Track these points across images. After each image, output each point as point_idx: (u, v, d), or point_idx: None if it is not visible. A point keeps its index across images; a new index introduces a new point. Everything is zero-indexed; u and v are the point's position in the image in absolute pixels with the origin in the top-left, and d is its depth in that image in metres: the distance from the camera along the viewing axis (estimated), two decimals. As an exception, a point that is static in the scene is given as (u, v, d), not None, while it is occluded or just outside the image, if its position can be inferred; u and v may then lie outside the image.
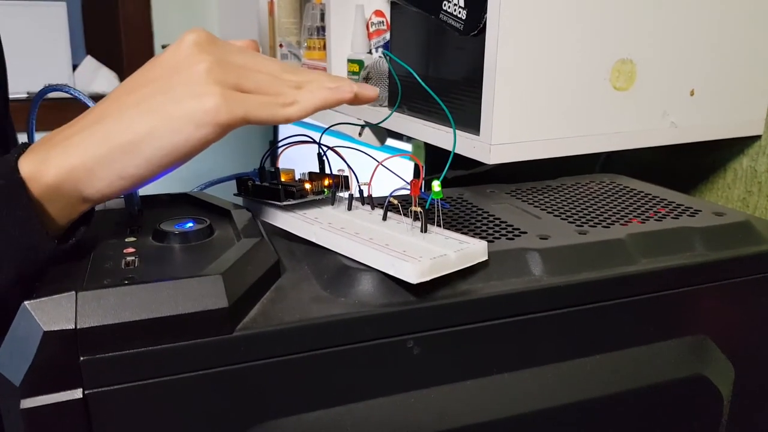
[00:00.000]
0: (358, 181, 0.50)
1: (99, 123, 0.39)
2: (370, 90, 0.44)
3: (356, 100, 0.43)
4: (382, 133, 0.97)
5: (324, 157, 0.51)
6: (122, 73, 1.85)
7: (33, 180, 0.37)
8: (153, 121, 0.37)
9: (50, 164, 0.37)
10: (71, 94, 0.51)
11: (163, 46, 1.83)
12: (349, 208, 0.48)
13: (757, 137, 0.74)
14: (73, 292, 0.32)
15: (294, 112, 0.41)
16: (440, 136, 0.67)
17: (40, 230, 0.37)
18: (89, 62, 1.85)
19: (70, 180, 0.38)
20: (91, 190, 0.38)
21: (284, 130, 1.89)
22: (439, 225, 0.44)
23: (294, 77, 0.43)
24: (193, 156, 0.39)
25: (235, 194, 0.52)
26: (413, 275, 0.37)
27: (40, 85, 0.51)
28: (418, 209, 0.43)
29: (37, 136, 0.53)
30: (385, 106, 0.82)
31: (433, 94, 0.49)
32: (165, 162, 0.38)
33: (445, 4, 0.63)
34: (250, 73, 0.41)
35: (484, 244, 0.41)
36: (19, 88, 1.76)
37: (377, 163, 0.47)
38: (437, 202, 0.43)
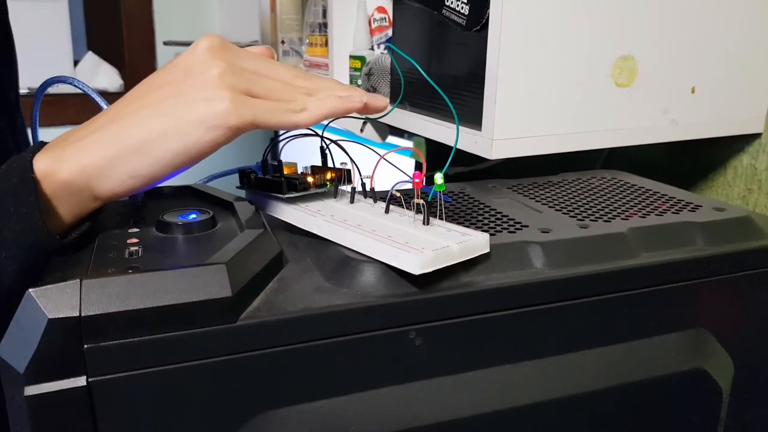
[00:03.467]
0: (360, 175, 0.50)
1: (113, 123, 0.40)
2: (380, 100, 0.45)
3: (365, 110, 0.44)
4: (384, 130, 0.97)
5: (327, 151, 0.51)
6: (123, 69, 1.85)
7: (47, 177, 0.38)
8: (165, 123, 0.39)
9: (64, 163, 0.39)
10: (75, 85, 0.51)
11: (165, 43, 1.83)
12: (352, 201, 0.48)
13: (758, 135, 0.74)
14: (78, 280, 0.33)
15: (303, 119, 0.42)
16: (442, 131, 0.67)
17: (42, 228, 0.37)
18: (90, 58, 1.85)
19: (83, 178, 0.39)
20: (102, 189, 0.39)
21: (285, 128, 1.89)
22: (441, 218, 0.44)
23: (306, 84, 0.44)
24: (203, 158, 0.40)
25: (237, 187, 0.52)
26: (416, 266, 0.37)
27: (41, 81, 0.52)
28: (421, 202, 0.43)
29: (41, 131, 0.53)
30: (386, 102, 0.82)
31: (436, 87, 0.49)
32: (176, 163, 0.39)
33: (447, 0, 0.63)
34: (261, 78, 0.42)
35: (486, 236, 0.41)
36: (20, 83, 1.77)
37: (379, 157, 0.47)
38: (439, 194, 0.43)
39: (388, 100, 0.46)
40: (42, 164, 0.38)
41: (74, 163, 0.39)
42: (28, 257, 0.37)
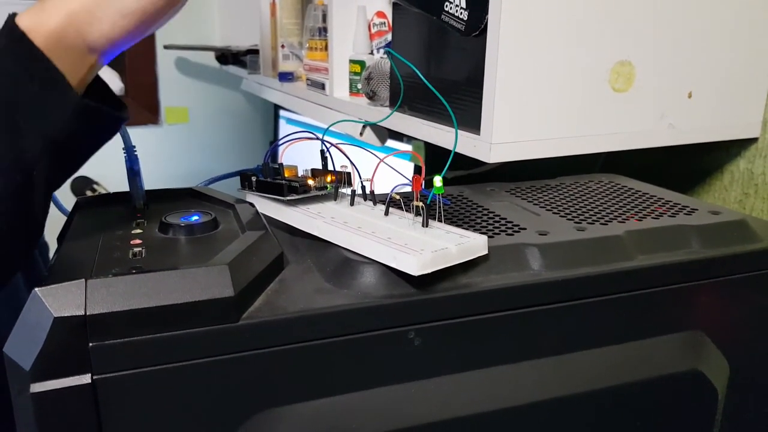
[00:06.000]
0: (360, 178, 0.50)
1: None
2: None
3: None
4: (383, 133, 0.98)
5: (327, 154, 0.51)
6: (124, 73, 1.85)
7: (34, 32, 0.36)
8: None
9: (49, 13, 0.36)
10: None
11: (165, 47, 1.83)
12: (352, 203, 0.49)
13: (754, 140, 0.75)
14: (83, 280, 0.33)
15: None
16: (441, 135, 0.68)
17: (62, 79, 0.35)
18: (91, 62, 1.85)
19: (72, 26, 0.36)
20: (95, 35, 0.37)
21: (285, 130, 1.90)
22: (440, 220, 0.45)
23: None
24: None
25: (239, 189, 0.53)
26: (415, 267, 0.38)
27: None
28: (420, 204, 0.44)
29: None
30: (386, 106, 0.83)
31: (435, 91, 0.50)
32: None
33: (446, 5, 0.64)
34: None
35: (484, 238, 0.42)
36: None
37: (379, 160, 0.48)
38: (438, 197, 0.44)
39: None
40: (25, 21, 0.36)
41: (60, 11, 0.36)
42: (51, 122, 0.35)
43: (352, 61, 0.94)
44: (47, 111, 0.35)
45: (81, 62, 0.37)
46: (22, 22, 0.36)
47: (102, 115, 0.38)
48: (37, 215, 0.35)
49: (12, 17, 0.36)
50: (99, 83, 0.42)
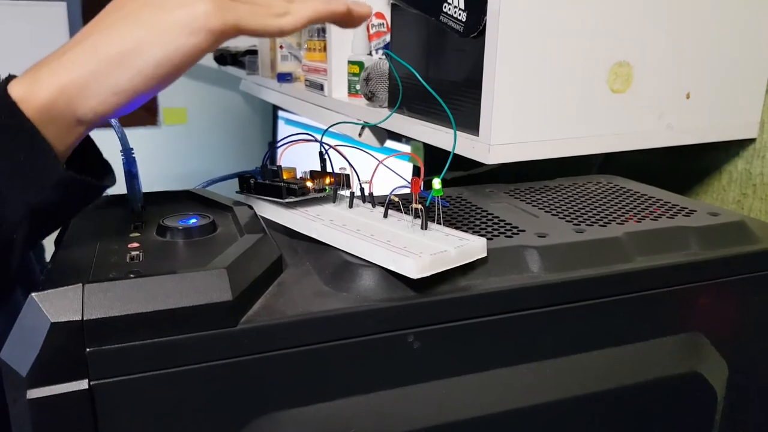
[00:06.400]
0: (359, 180, 0.50)
1: (87, 39, 0.37)
2: (364, 7, 0.43)
3: (349, 17, 0.42)
4: (382, 134, 0.98)
5: (325, 156, 0.51)
6: (122, 74, 1.85)
7: (24, 103, 0.36)
8: (143, 31, 0.36)
9: (41, 85, 0.36)
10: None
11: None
12: (351, 205, 0.49)
13: (752, 140, 0.75)
14: (80, 285, 0.33)
15: (286, 23, 0.40)
16: (439, 136, 0.68)
17: (49, 151, 0.35)
18: (89, 62, 1.85)
19: (63, 99, 0.36)
20: (84, 109, 0.37)
21: (283, 131, 1.90)
22: (439, 222, 0.45)
23: None
24: (186, 68, 0.38)
25: (237, 192, 0.53)
26: (414, 270, 0.37)
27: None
28: (419, 207, 0.44)
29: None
30: (384, 107, 0.83)
31: (434, 93, 0.50)
32: (158, 74, 0.37)
33: (445, 6, 0.64)
34: None
35: (483, 241, 0.42)
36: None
37: (378, 162, 0.47)
38: (437, 199, 0.44)
39: (371, 9, 0.44)
40: (17, 90, 0.36)
41: (52, 84, 0.36)
42: (33, 190, 0.35)
43: (350, 62, 0.94)
44: (31, 181, 0.36)
45: (68, 132, 0.38)
46: (15, 91, 0.36)
47: (85, 185, 0.39)
48: (11, 270, 0.35)
49: (5, 84, 0.37)
50: (87, 142, 0.43)
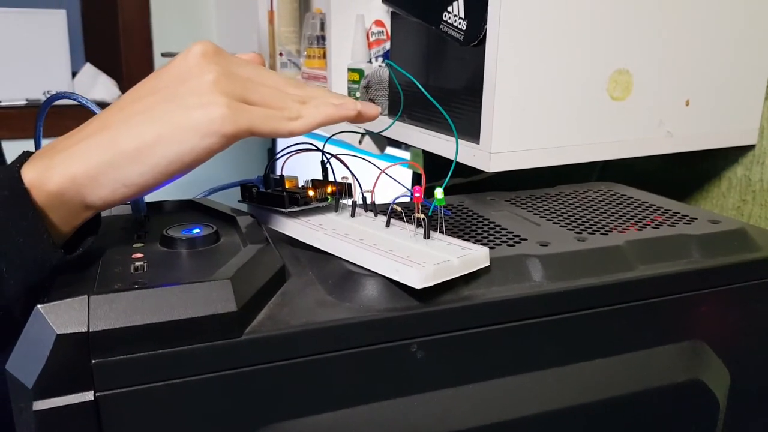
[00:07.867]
0: (361, 189, 0.50)
1: (104, 130, 0.39)
2: (372, 108, 0.45)
3: (359, 118, 0.44)
4: (382, 141, 0.98)
5: (327, 165, 0.51)
6: (121, 81, 1.85)
7: (36, 188, 0.37)
8: (159, 129, 0.38)
9: (54, 172, 0.37)
10: (78, 101, 0.52)
11: (163, 54, 1.83)
12: (353, 214, 0.49)
13: (751, 147, 0.75)
14: (86, 296, 0.33)
15: (298, 126, 0.41)
16: (440, 144, 0.68)
17: (47, 240, 0.37)
18: (88, 69, 1.85)
19: (74, 187, 0.38)
20: (93, 198, 0.38)
21: (283, 139, 1.90)
22: (441, 231, 0.45)
23: (298, 92, 0.44)
24: (197, 166, 0.39)
25: (239, 201, 0.53)
26: (417, 280, 0.38)
27: (39, 92, 0.52)
28: (421, 216, 0.44)
29: (44, 142, 0.53)
30: (385, 115, 0.83)
31: (434, 102, 0.50)
32: (169, 170, 0.38)
33: (445, 15, 0.64)
34: (255, 86, 0.41)
35: (485, 250, 0.42)
36: (18, 95, 1.77)
37: (380, 171, 0.48)
38: (440, 209, 0.44)
39: (380, 108, 0.46)
40: (30, 174, 0.37)
41: (64, 172, 0.37)
42: (31, 272, 0.37)
43: (350, 70, 0.94)
44: (30, 264, 0.37)
45: (76, 216, 0.39)
46: (28, 176, 0.37)
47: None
48: (10, 336, 0.36)
49: (20, 166, 0.38)
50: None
